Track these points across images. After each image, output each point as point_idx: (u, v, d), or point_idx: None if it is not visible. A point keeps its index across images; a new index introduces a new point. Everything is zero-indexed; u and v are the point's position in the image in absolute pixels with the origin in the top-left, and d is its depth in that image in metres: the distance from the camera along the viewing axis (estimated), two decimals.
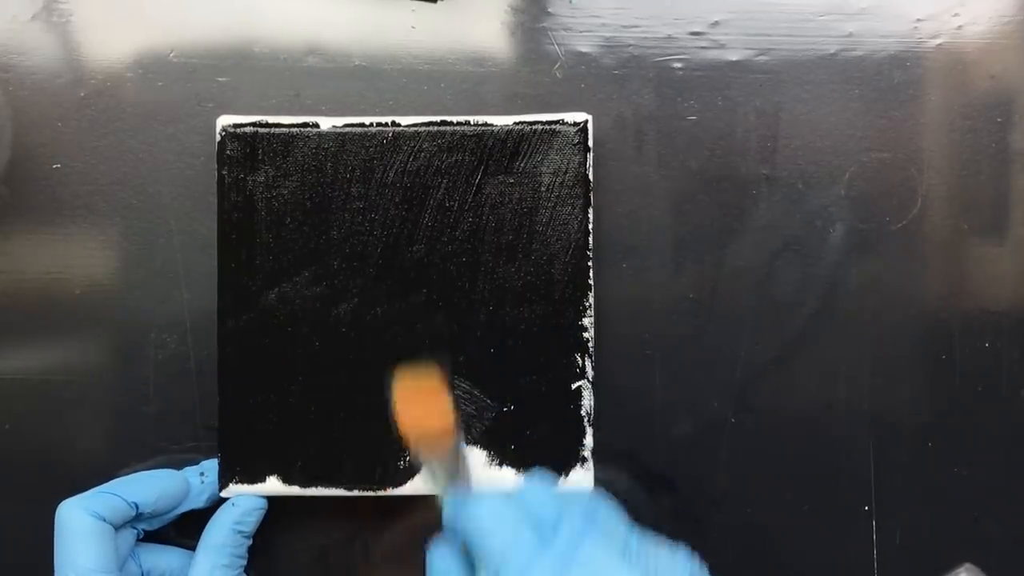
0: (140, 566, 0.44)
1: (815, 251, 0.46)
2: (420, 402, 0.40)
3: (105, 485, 0.43)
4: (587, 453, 0.44)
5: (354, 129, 0.44)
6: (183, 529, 0.45)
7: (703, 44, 0.46)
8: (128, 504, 0.42)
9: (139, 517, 0.43)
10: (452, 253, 0.44)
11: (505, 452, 0.44)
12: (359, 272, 0.44)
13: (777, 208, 0.46)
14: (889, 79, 0.46)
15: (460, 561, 0.37)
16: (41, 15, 0.46)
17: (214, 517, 0.44)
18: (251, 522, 0.44)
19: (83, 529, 0.40)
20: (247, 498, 0.44)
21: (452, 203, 0.44)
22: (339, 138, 0.44)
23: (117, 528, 0.42)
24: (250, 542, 0.44)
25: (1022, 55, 0.46)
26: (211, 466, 0.45)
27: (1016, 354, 0.46)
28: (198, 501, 0.45)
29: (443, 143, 0.44)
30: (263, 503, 0.44)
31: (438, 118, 0.44)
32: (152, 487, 0.43)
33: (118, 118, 0.46)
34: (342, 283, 0.44)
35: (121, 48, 0.46)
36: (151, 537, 0.45)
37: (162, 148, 0.46)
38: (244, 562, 0.44)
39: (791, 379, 0.46)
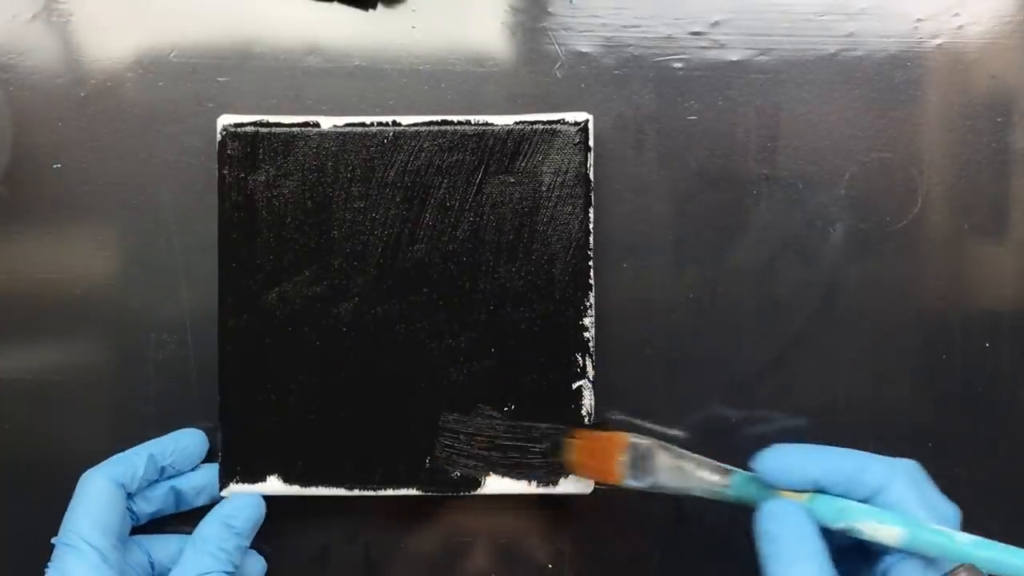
0: (147, 553, 0.44)
1: (815, 251, 0.46)
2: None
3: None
4: None
5: (355, 129, 0.44)
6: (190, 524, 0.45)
7: (703, 44, 0.46)
8: (145, 458, 0.43)
9: (161, 474, 0.44)
10: (453, 253, 0.44)
11: None
12: (360, 272, 0.44)
13: (777, 208, 0.46)
14: (889, 79, 0.46)
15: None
16: (41, 15, 0.46)
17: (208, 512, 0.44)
18: (242, 517, 0.43)
19: (94, 490, 0.42)
20: (242, 496, 0.44)
21: (453, 203, 0.44)
22: (340, 138, 0.44)
23: (133, 493, 0.43)
24: (244, 543, 0.43)
25: (1022, 55, 0.46)
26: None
27: (1016, 354, 0.46)
28: (197, 501, 0.45)
29: (444, 143, 0.44)
30: (260, 505, 0.44)
31: (439, 118, 0.44)
32: (170, 441, 0.45)
33: (118, 118, 0.46)
34: (342, 283, 0.44)
35: (121, 48, 0.46)
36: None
37: (162, 148, 0.46)
38: (233, 561, 0.43)
39: (791, 379, 0.46)
